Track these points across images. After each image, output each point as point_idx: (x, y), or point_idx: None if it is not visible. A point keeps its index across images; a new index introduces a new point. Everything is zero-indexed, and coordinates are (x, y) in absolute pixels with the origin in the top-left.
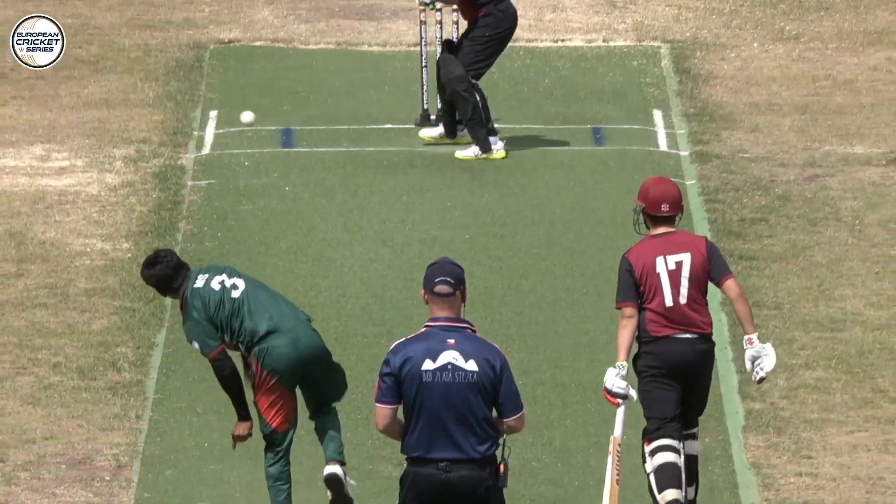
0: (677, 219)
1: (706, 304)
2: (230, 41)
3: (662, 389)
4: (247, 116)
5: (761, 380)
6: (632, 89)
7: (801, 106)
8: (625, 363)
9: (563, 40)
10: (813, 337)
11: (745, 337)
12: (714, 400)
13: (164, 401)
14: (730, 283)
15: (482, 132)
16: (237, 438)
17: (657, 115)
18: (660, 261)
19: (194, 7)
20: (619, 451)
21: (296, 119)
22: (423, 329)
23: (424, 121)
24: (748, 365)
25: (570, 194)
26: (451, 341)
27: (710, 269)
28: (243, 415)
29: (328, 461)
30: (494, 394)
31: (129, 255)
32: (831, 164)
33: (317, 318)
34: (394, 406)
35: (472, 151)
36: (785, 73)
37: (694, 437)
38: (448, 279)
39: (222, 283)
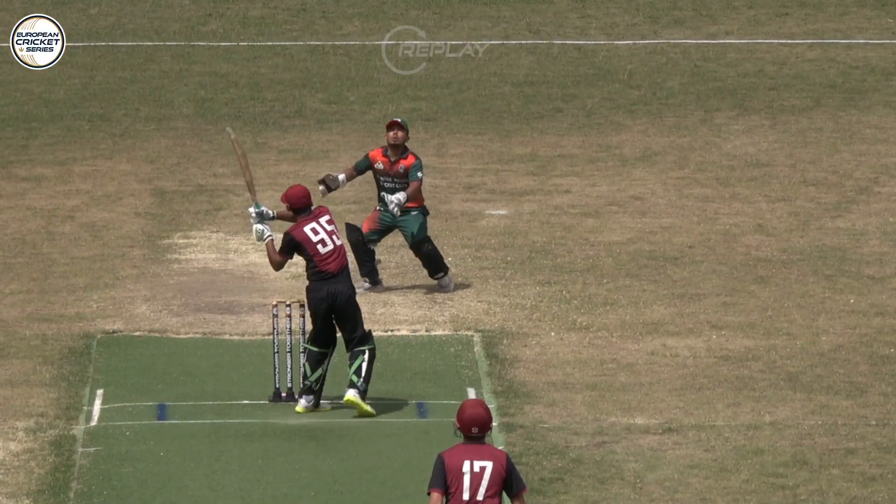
0: (486, 435)
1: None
2: (114, 331)
3: None
4: None
5: None
6: (449, 371)
7: (591, 384)
8: None
9: (392, 330)
10: None
11: None
12: None
13: None
14: (521, 498)
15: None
16: None
17: (471, 392)
18: (466, 463)
19: (83, 303)
20: None
21: (169, 396)
22: None
23: (276, 398)
24: None
25: (398, 459)
26: None
27: (508, 482)
28: None
29: None
30: None
31: None
32: (616, 432)
33: None
34: None
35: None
36: (577, 357)
37: None
38: None
39: None
